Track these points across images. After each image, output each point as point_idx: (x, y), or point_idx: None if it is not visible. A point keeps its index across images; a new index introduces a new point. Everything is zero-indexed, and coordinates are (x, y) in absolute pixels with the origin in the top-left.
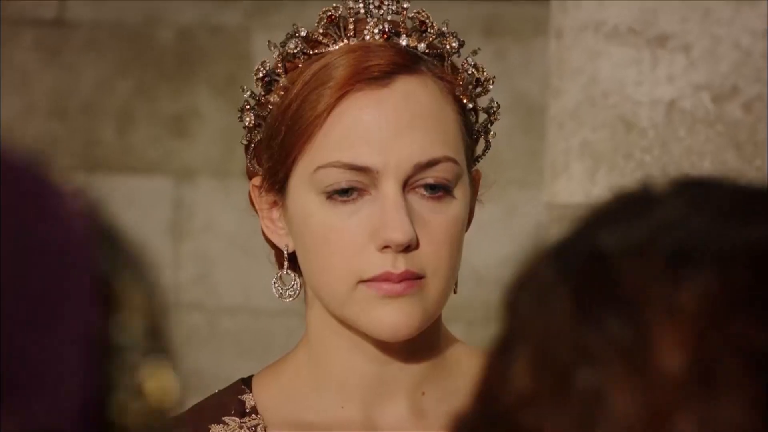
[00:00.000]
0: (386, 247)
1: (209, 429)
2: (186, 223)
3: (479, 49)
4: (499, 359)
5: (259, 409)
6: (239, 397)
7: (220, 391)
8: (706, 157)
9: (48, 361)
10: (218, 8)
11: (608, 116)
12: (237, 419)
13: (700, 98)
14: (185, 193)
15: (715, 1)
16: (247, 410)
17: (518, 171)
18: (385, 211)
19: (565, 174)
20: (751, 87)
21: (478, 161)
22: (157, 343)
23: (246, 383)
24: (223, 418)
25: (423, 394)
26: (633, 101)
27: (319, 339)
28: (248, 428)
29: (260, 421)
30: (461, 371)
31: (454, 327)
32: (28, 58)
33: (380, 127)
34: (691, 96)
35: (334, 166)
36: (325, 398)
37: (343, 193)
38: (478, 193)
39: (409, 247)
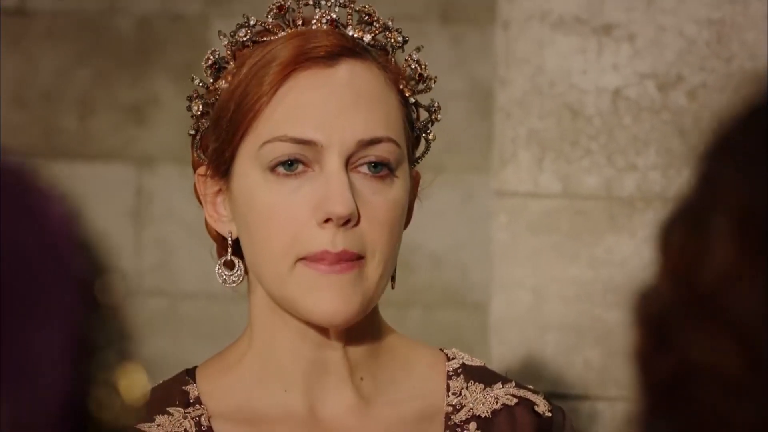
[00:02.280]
0: (327, 221)
1: (154, 419)
2: (146, 210)
3: (422, 46)
4: (692, 232)
5: (203, 399)
6: (183, 387)
7: (165, 381)
8: (651, 144)
9: (31, 358)
10: None
11: (555, 105)
12: (181, 410)
13: (645, 86)
14: (145, 180)
15: None
16: (191, 400)
17: (474, 156)
18: (327, 186)
19: (513, 162)
20: (695, 75)
21: (418, 162)
22: (126, 340)
23: (190, 374)
24: (167, 409)
25: (361, 379)
26: (579, 90)
27: (261, 326)
28: (192, 418)
29: (204, 411)
30: (400, 363)
31: (412, 311)
32: None
33: (325, 103)
34: (637, 84)
35: (280, 140)
36: (269, 385)
37: (287, 166)
38: (418, 193)
39: (348, 222)
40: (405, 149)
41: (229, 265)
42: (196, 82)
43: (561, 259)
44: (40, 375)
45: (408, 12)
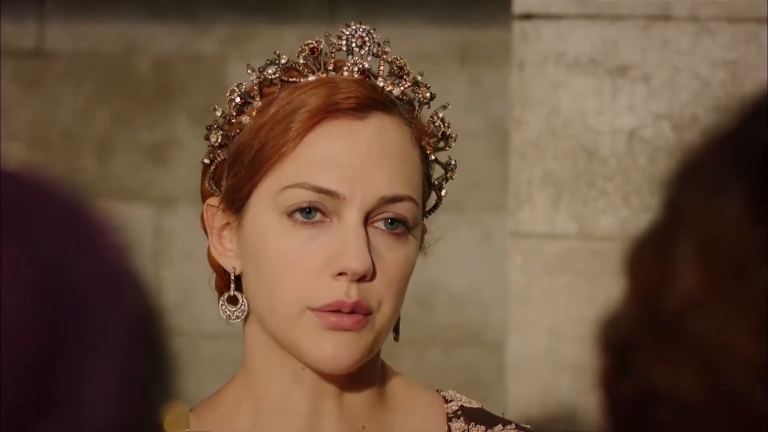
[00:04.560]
0: (341, 274)
1: None
2: (166, 250)
3: (448, 104)
4: (657, 257)
5: None
6: None
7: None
8: None
9: (84, 391)
10: (195, 37)
11: (570, 146)
12: None
13: (660, 127)
14: (165, 221)
15: (675, 32)
16: None
17: (492, 196)
18: (345, 240)
19: (529, 203)
20: (710, 116)
21: (426, 216)
22: (172, 376)
23: None
24: None
25: (363, 428)
26: (594, 131)
27: (257, 370)
28: None
29: None
30: (400, 405)
31: (430, 350)
32: (8, 87)
33: (351, 156)
34: (652, 125)
35: (301, 187)
36: (264, 429)
37: (305, 213)
38: (423, 247)
39: (363, 278)
40: (421, 208)
41: (232, 301)
42: (218, 113)
43: (577, 300)
44: (91, 409)
45: (426, 52)
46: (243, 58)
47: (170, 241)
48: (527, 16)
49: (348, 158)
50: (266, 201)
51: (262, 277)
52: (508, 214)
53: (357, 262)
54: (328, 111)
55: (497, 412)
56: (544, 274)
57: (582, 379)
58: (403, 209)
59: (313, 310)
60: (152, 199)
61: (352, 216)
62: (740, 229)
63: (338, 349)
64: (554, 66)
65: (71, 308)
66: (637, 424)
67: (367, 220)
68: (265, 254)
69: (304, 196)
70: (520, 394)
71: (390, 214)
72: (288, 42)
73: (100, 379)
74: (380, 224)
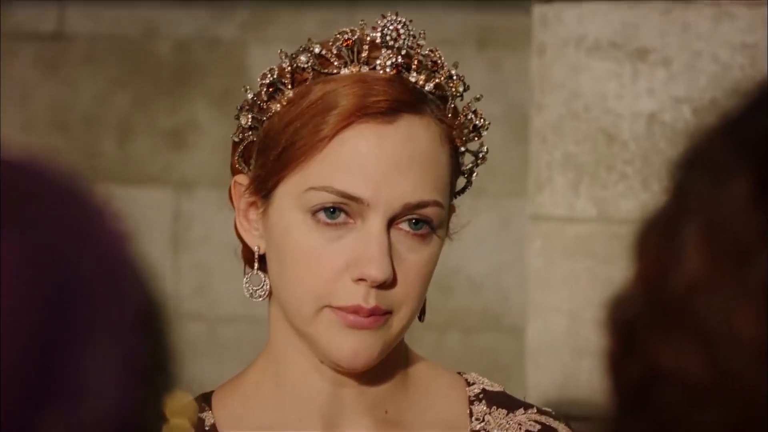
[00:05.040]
0: (361, 279)
1: None
2: (185, 234)
3: (481, 96)
4: (664, 240)
5: (219, 426)
6: (199, 415)
7: None
8: None
9: (85, 380)
10: (215, 22)
11: (590, 129)
12: None
13: (680, 111)
14: (184, 205)
15: (695, 15)
16: (207, 428)
17: (512, 181)
18: (367, 246)
19: (549, 187)
20: (729, 99)
21: (456, 197)
22: (175, 365)
23: (206, 399)
24: None
25: (386, 412)
26: (614, 114)
27: (280, 353)
28: None
29: None
30: (422, 388)
31: (450, 334)
32: (28, 71)
33: (378, 161)
34: (672, 109)
35: (326, 191)
36: (286, 413)
37: (329, 215)
38: (449, 232)
39: (383, 285)
40: (447, 206)
41: (256, 278)
42: (249, 95)
43: (596, 283)
44: (93, 398)
45: (445, 37)
46: (262, 42)
47: (189, 225)
48: (547, 0)
49: (374, 164)
50: (291, 197)
51: (284, 269)
52: (528, 198)
53: (377, 271)
54: (358, 115)
55: (518, 397)
56: (564, 258)
57: (601, 363)
58: (428, 213)
59: (332, 307)
60: (171, 183)
61: (376, 221)
62: (745, 214)
63: (356, 347)
64: (574, 50)
65: (72, 297)
66: (642, 403)
67: (391, 223)
68: (289, 249)
69: (328, 199)
70: (540, 379)
71: (415, 216)
72: (308, 26)
73: (101, 368)
74: (404, 225)
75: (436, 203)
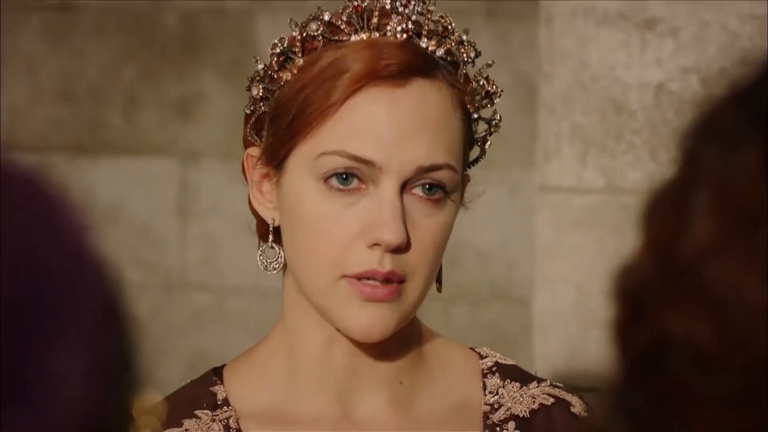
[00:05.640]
0: (376, 245)
1: (182, 424)
2: (192, 205)
3: (493, 62)
4: (674, 208)
5: (231, 400)
6: (210, 389)
7: (192, 381)
8: None
9: (46, 375)
10: None
11: (598, 100)
12: (209, 412)
13: (688, 81)
14: (191, 175)
15: None
16: (219, 402)
17: (520, 152)
18: (381, 211)
19: (557, 157)
20: (738, 69)
21: (470, 167)
22: (141, 361)
23: (217, 374)
24: (195, 412)
25: (400, 383)
26: (622, 84)
27: (294, 325)
28: (220, 421)
29: (232, 413)
30: (435, 361)
31: (458, 306)
32: (35, 43)
33: (390, 125)
34: (680, 79)
35: (339, 155)
36: (299, 387)
37: (342, 180)
38: (464, 201)
39: (398, 249)
40: (461, 171)
41: (268, 252)
42: (260, 66)
43: (604, 254)
44: (56, 395)
45: (453, 7)
46: (270, 13)
47: (196, 196)
48: None
49: (387, 127)
50: (304, 164)
51: (298, 239)
52: (536, 168)
53: (392, 235)
54: (370, 78)
55: (525, 368)
56: (572, 229)
57: (608, 332)
58: (441, 176)
59: (347, 277)
60: (178, 153)
61: (389, 185)
62: (755, 182)
63: (371, 320)
64: (582, 20)
65: (32, 292)
66: (650, 370)
67: (404, 187)
68: (302, 218)
69: (340, 163)
70: (547, 350)
71: (428, 181)
72: None
73: (65, 364)
74: (418, 190)
75: (449, 166)
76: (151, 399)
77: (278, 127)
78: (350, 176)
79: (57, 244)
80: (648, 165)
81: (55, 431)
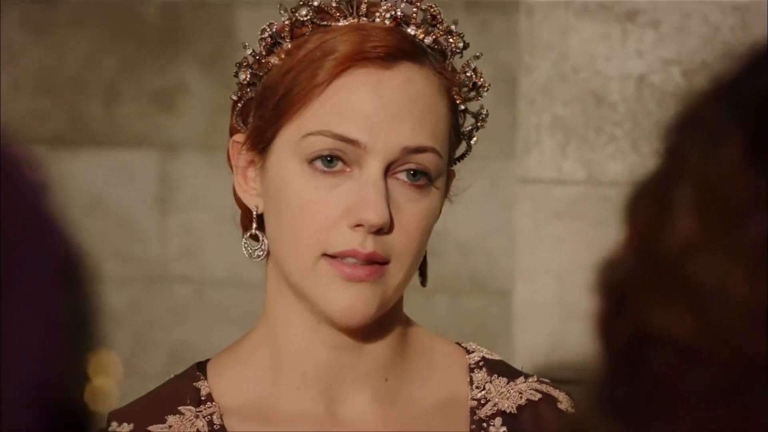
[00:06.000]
0: (358, 225)
1: (165, 420)
2: (172, 197)
3: (481, 54)
4: (656, 202)
5: (215, 395)
6: (194, 384)
7: (175, 376)
8: None
9: (7, 332)
10: None
11: (579, 91)
12: (193, 408)
13: (669, 72)
14: (172, 167)
15: None
16: (203, 398)
17: (501, 143)
18: (364, 191)
19: (537, 149)
20: (719, 61)
21: (456, 163)
22: (98, 324)
23: (201, 369)
24: (179, 408)
25: (386, 380)
26: (603, 76)
27: (277, 317)
28: (204, 417)
29: (216, 409)
30: (422, 357)
31: (438, 298)
32: (15, 34)
33: (376, 105)
34: (661, 70)
35: (323, 135)
36: (283, 382)
37: (326, 162)
38: (449, 194)
39: (380, 230)
40: (446, 159)
41: (254, 238)
42: (248, 51)
43: (585, 246)
44: (11, 355)
45: None
46: (250, 4)
47: (176, 187)
48: None
49: (372, 108)
50: (289, 146)
51: (282, 221)
52: (516, 160)
53: (375, 214)
54: (356, 59)
55: (505, 360)
56: (553, 220)
57: (590, 326)
58: (425, 160)
59: (328, 256)
60: (158, 145)
61: (373, 166)
62: (737, 177)
63: (353, 301)
64: (563, 11)
65: None
66: (632, 366)
67: (388, 171)
68: (286, 200)
69: (325, 144)
70: (528, 342)
71: (412, 165)
72: None
73: (19, 323)
74: (402, 176)
75: (433, 150)
76: (106, 359)
77: (264, 109)
78: (334, 158)
79: (13, 203)
80: (629, 157)
81: (11, 388)
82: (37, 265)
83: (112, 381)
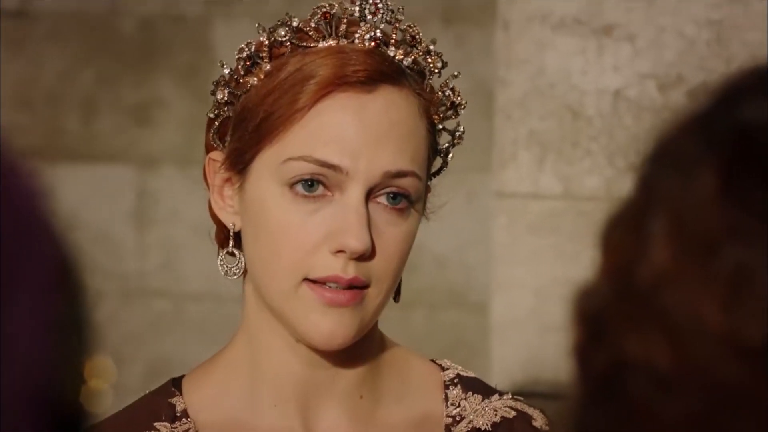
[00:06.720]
0: (340, 252)
1: None
2: (150, 211)
3: (459, 73)
4: (631, 233)
5: (190, 412)
6: (169, 400)
7: (151, 392)
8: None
9: (2, 336)
10: None
11: (555, 106)
12: (168, 425)
13: (645, 87)
14: (149, 182)
15: None
16: (178, 414)
17: (477, 157)
18: (346, 217)
19: (513, 163)
20: (695, 75)
21: (432, 178)
22: (92, 327)
23: (176, 385)
24: (154, 425)
25: (361, 397)
26: (579, 90)
27: (254, 334)
28: None
29: (191, 425)
30: (397, 374)
31: (415, 311)
32: None
33: (357, 130)
34: (637, 85)
35: (305, 160)
36: (259, 398)
37: (307, 187)
38: (426, 211)
39: (362, 256)
40: (425, 181)
41: (231, 254)
42: (225, 70)
43: (562, 260)
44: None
45: (410, 12)
46: (227, 19)
47: (154, 202)
48: None
49: (354, 132)
50: (269, 170)
51: (261, 245)
52: (493, 174)
53: (357, 241)
54: (337, 84)
55: (482, 373)
56: (529, 235)
57: (567, 339)
58: (406, 184)
59: (309, 281)
60: (136, 159)
61: (355, 191)
62: (711, 207)
63: (333, 327)
64: (539, 26)
65: None
66: (609, 393)
67: (370, 195)
68: (266, 223)
69: (306, 169)
70: (505, 355)
71: (393, 189)
72: (273, 3)
73: (18, 326)
74: (382, 199)
75: (414, 174)
76: (101, 362)
77: (243, 131)
78: (316, 183)
79: (9, 207)
80: (605, 171)
81: (6, 392)
82: (34, 270)
83: (107, 383)
